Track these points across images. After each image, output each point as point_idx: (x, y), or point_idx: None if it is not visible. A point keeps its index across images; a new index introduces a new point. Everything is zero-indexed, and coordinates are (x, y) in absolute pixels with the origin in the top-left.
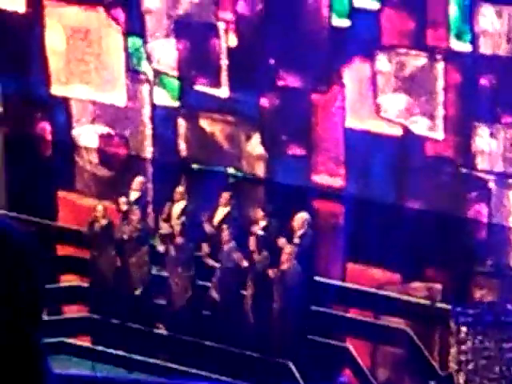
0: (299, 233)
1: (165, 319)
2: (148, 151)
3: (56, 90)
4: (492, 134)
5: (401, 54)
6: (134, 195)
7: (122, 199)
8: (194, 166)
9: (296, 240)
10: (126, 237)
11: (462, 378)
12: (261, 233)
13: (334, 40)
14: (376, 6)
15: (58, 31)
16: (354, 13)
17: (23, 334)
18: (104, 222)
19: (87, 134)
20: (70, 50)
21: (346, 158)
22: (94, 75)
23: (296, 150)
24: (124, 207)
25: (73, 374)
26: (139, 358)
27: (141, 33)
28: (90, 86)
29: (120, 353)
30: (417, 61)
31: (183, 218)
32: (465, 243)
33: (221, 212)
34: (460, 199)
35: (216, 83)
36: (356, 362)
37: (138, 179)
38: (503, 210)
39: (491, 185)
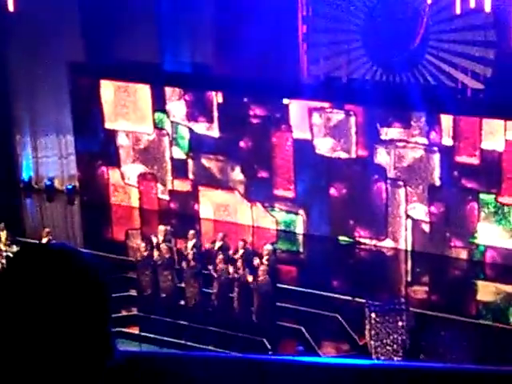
0: (266, 258)
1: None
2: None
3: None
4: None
5: None
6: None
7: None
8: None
9: (265, 261)
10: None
11: (373, 345)
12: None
13: None
14: None
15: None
16: None
17: (105, 333)
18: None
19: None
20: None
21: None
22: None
23: (263, 174)
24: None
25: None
26: None
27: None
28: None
29: None
30: None
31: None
32: None
33: (217, 244)
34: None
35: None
36: (306, 338)
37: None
38: (395, 202)
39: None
